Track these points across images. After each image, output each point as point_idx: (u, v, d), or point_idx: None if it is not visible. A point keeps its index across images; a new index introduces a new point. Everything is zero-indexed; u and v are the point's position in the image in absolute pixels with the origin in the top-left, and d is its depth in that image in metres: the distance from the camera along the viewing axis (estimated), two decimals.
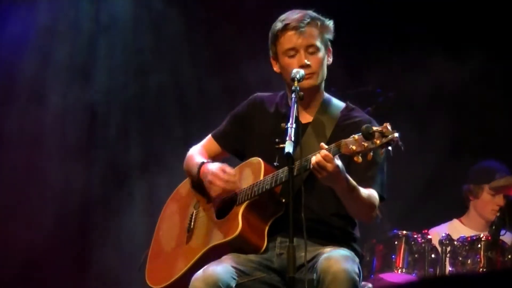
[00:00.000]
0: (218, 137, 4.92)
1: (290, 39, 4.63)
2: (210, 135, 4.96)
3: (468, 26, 7.37)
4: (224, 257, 4.51)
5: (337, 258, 4.30)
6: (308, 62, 4.59)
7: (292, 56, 4.63)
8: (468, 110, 7.56)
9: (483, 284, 2.73)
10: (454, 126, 7.53)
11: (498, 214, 6.19)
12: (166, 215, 5.02)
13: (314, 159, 4.25)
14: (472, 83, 7.37)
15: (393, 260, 6.48)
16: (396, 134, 4.14)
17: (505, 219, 6.19)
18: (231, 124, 4.89)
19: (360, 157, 4.18)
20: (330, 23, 4.70)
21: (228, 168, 4.64)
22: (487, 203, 6.65)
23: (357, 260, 4.44)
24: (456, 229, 6.73)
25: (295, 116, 4.31)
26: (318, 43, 4.63)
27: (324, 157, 4.22)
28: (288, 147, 4.17)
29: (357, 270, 4.31)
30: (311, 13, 4.68)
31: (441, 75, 7.46)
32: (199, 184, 4.81)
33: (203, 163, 4.75)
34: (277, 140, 4.34)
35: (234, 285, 4.41)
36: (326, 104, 4.73)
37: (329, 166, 4.22)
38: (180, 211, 4.92)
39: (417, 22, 7.46)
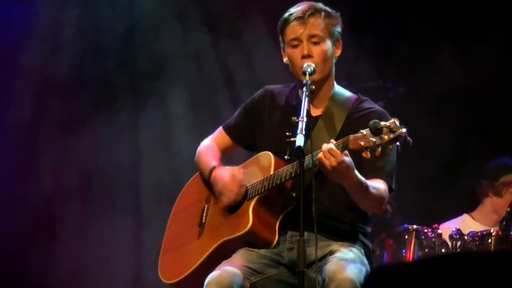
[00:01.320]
0: (229, 130, 4.91)
1: (294, 29, 4.62)
2: (221, 127, 4.95)
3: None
4: (235, 256, 4.52)
5: (344, 265, 4.29)
6: (310, 53, 4.58)
7: (295, 46, 4.62)
8: (479, 106, 7.54)
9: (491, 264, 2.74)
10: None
11: (508, 209, 6.17)
12: (178, 209, 5.03)
13: (320, 154, 4.24)
14: (483, 79, 7.37)
15: (403, 254, 6.48)
16: (404, 130, 4.11)
17: None
18: (242, 117, 4.88)
19: (368, 153, 4.15)
20: (336, 15, 4.68)
21: (237, 172, 4.64)
22: (508, 202, 6.60)
23: (365, 263, 4.44)
24: (467, 224, 6.72)
25: (306, 109, 4.30)
26: (322, 34, 4.60)
27: (329, 151, 4.20)
28: (299, 141, 4.16)
29: (362, 278, 4.30)
30: (317, 4, 4.67)
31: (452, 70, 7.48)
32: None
33: (214, 167, 4.75)
34: (288, 133, 4.32)
35: (248, 285, 4.42)
36: (336, 96, 4.70)
37: (333, 160, 4.19)
38: (192, 206, 4.92)
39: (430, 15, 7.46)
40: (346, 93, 4.75)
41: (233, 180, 4.62)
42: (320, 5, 4.68)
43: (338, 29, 4.69)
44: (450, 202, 7.28)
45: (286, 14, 4.67)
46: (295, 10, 4.65)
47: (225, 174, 4.67)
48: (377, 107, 4.71)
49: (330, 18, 4.65)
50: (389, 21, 7.51)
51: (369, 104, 4.71)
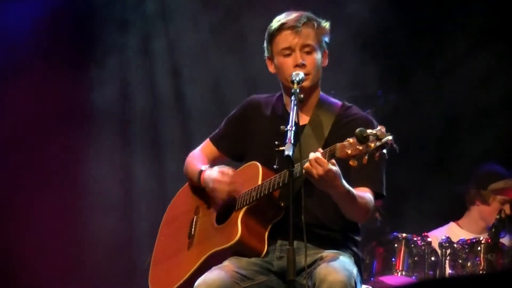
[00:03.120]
0: (216, 141, 4.92)
1: (286, 38, 4.63)
2: (208, 139, 4.96)
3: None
4: (226, 262, 4.52)
5: (335, 268, 4.30)
6: (304, 62, 4.59)
7: (287, 56, 4.63)
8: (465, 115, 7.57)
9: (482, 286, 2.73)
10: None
11: (497, 217, 6.19)
12: (168, 220, 5.03)
13: (307, 163, 4.25)
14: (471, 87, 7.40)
15: (393, 262, 6.48)
16: (390, 137, 4.11)
17: (505, 221, 6.20)
18: (229, 127, 4.89)
19: (355, 161, 4.16)
20: (326, 25, 4.70)
21: (226, 169, 4.65)
22: (495, 210, 6.61)
23: (355, 269, 4.43)
24: (454, 232, 6.72)
25: (295, 118, 4.31)
26: (314, 44, 4.62)
27: (316, 160, 4.21)
28: (288, 150, 4.16)
29: (353, 282, 4.30)
30: (308, 14, 4.68)
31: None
32: (199, 189, 4.82)
33: (201, 170, 4.76)
34: (276, 142, 4.30)
35: None
36: (322, 104, 4.71)
37: (320, 169, 4.20)
38: (181, 217, 4.92)
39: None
40: (331, 100, 4.76)
41: (223, 173, 4.63)
42: (311, 14, 4.69)
43: (327, 39, 4.70)
44: (438, 210, 7.28)
45: (276, 23, 4.67)
46: (287, 18, 4.65)
47: (213, 172, 4.68)
48: (362, 112, 4.73)
49: (321, 28, 4.67)
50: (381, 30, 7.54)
51: (355, 110, 4.73)
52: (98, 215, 7.47)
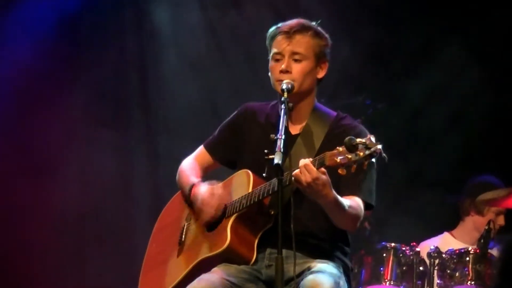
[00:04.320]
0: (210, 148, 4.91)
1: (278, 44, 4.63)
2: (202, 146, 4.95)
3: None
4: (215, 269, 4.51)
5: (322, 280, 4.30)
6: (288, 69, 4.58)
7: (277, 61, 4.63)
8: (470, 124, 7.60)
9: None
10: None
11: (486, 227, 6.19)
12: (159, 227, 5.03)
13: (297, 170, 4.25)
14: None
15: (382, 272, 6.47)
16: (379, 146, 4.12)
17: (494, 232, 6.21)
18: (223, 134, 4.89)
19: (344, 169, 4.17)
20: (325, 35, 4.67)
21: (216, 189, 4.64)
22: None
23: (343, 279, 4.44)
24: (448, 242, 6.73)
25: (285, 127, 4.31)
26: (305, 52, 4.60)
27: (305, 167, 4.21)
28: (277, 158, 4.16)
29: None
30: (307, 22, 4.66)
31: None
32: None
33: (194, 184, 4.75)
34: (266, 151, 4.30)
35: None
36: (316, 114, 4.71)
37: (308, 176, 4.20)
38: (173, 224, 4.92)
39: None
40: (325, 110, 4.76)
41: (212, 196, 4.62)
42: (311, 24, 4.67)
43: (326, 50, 4.67)
44: (431, 220, 7.30)
45: (274, 28, 4.68)
46: (284, 24, 4.66)
47: (204, 191, 4.66)
48: (355, 123, 4.72)
49: (318, 39, 4.64)
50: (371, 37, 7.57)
51: (348, 121, 4.72)
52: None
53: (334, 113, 4.74)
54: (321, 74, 4.67)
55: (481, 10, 7.43)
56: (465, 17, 7.48)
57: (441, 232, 6.95)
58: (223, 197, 4.62)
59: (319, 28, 4.67)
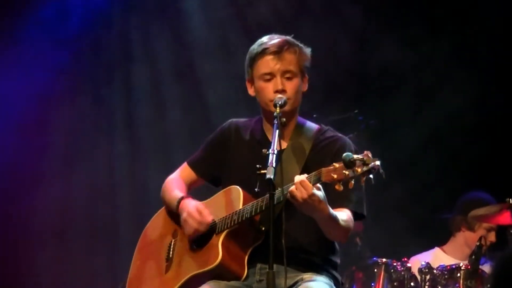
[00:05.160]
0: (194, 165, 4.90)
1: (268, 64, 4.62)
2: (185, 163, 4.94)
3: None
4: (204, 285, 4.49)
5: (317, 286, 4.32)
6: (284, 88, 4.59)
7: (268, 80, 4.62)
8: (453, 141, 7.61)
9: None
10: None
11: (477, 243, 6.19)
12: (144, 244, 4.98)
13: (292, 186, 4.24)
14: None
15: (373, 287, 6.47)
16: (378, 162, 4.13)
17: (485, 248, 6.21)
18: (207, 151, 4.87)
19: (341, 185, 4.17)
20: (308, 51, 4.69)
21: (203, 210, 4.61)
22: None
23: None
24: (439, 257, 6.74)
25: (276, 141, 4.30)
26: (295, 70, 4.62)
27: (301, 183, 4.21)
28: (270, 173, 4.15)
29: None
30: (290, 39, 4.67)
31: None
32: (176, 213, 4.79)
33: (182, 197, 4.74)
34: (258, 166, 4.30)
35: None
36: (300, 129, 4.72)
37: (304, 193, 4.21)
38: (158, 241, 4.88)
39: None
40: (308, 124, 4.77)
41: (197, 210, 4.60)
42: (293, 40, 4.68)
43: (307, 64, 4.70)
44: (420, 235, 7.30)
45: (258, 47, 4.66)
46: (270, 43, 4.64)
47: (191, 204, 4.65)
48: (339, 135, 4.73)
49: (303, 54, 4.66)
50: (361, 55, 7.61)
51: (331, 132, 4.73)
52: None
53: (317, 126, 4.75)
54: (305, 87, 4.71)
55: (457, 29, 7.49)
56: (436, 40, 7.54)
57: (432, 247, 6.96)
58: (212, 213, 4.59)
59: (300, 43, 4.69)
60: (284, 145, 4.66)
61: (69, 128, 7.72)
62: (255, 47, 4.68)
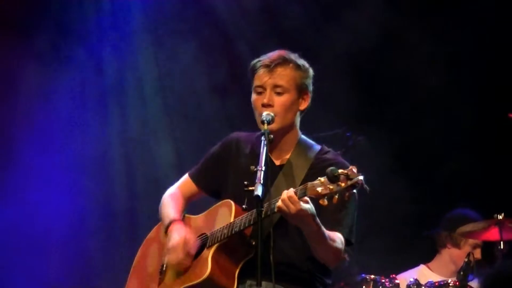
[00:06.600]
0: (195, 177, 4.90)
1: (260, 77, 4.64)
2: (187, 175, 4.94)
3: None
4: None
5: None
6: (270, 102, 4.59)
7: (259, 94, 4.64)
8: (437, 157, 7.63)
9: None
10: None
11: (466, 260, 6.20)
12: (141, 256, 5.00)
13: (279, 201, 4.26)
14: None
15: None
16: (361, 177, 4.14)
17: (473, 265, 6.21)
18: (208, 164, 4.87)
19: (325, 200, 4.18)
20: (306, 67, 4.68)
21: (189, 241, 4.62)
22: (466, 253, 6.59)
23: None
24: (424, 275, 6.73)
25: (265, 158, 4.31)
26: (287, 85, 4.61)
27: (289, 198, 4.23)
28: (257, 190, 4.17)
29: None
30: (289, 55, 4.67)
31: None
32: None
33: (173, 220, 4.74)
34: (246, 182, 4.32)
35: None
36: (301, 147, 4.71)
37: (292, 208, 4.23)
38: (155, 253, 4.89)
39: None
40: (311, 143, 4.76)
41: (183, 245, 4.61)
42: (292, 56, 4.67)
43: (307, 81, 4.68)
44: (408, 253, 7.30)
45: (255, 61, 4.69)
46: (265, 57, 4.66)
47: (179, 234, 4.65)
48: (339, 158, 4.72)
49: (299, 71, 4.65)
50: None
51: (331, 155, 4.72)
52: None
53: (319, 147, 4.75)
54: (303, 105, 4.68)
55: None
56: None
57: (417, 265, 6.96)
58: (204, 227, 4.61)
59: (300, 60, 4.68)
60: (283, 161, 4.68)
61: None
62: (254, 61, 4.71)
